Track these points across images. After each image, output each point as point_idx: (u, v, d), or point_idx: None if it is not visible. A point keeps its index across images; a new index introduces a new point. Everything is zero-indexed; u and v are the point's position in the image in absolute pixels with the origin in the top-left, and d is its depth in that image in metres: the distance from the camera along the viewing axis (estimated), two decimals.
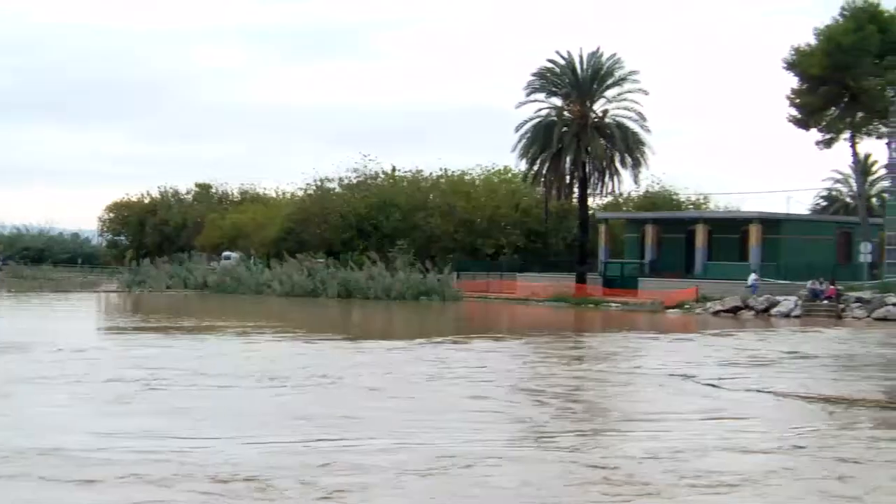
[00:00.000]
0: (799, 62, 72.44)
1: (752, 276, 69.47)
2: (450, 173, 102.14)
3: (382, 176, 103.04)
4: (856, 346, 43.76)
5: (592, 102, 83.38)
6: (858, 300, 64.33)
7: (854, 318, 62.47)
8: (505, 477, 16.32)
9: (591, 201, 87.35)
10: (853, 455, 18.42)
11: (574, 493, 15.57)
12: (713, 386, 27.72)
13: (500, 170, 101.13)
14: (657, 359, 35.90)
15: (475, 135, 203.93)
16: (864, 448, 19.24)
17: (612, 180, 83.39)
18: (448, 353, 36.75)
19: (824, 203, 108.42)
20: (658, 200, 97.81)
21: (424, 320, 62.26)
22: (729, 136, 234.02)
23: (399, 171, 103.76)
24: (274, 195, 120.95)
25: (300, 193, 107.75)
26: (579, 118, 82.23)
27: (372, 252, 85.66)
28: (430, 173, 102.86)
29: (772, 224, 76.98)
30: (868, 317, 62.33)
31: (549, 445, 19.22)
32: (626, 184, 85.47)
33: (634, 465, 17.19)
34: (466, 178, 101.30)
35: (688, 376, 29.82)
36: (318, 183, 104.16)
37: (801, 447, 19.19)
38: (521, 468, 17.07)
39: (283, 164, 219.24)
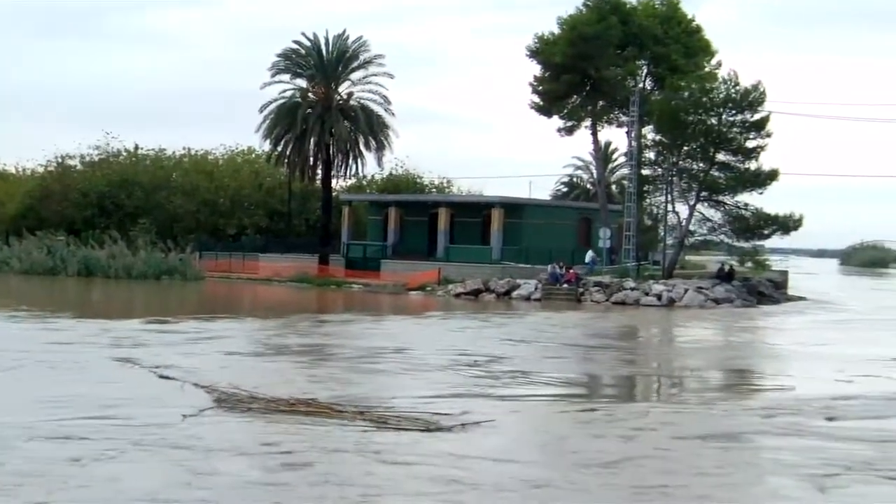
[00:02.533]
0: (542, 50, 70.69)
1: (589, 254, 67.46)
2: (193, 153, 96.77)
3: (125, 154, 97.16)
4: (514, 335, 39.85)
5: (337, 85, 79.64)
6: (597, 284, 62.62)
7: (594, 301, 60.77)
8: None
9: (335, 183, 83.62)
10: None
11: None
12: (159, 375, 24.45)
13: (243, 150, 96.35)
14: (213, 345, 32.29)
15: (219, 115, 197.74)
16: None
17: (356, 162, 79.89)
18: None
19: (565, 189, 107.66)
20: (402, 183, 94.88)
21: (149, 299, 59.29)
22: (472, 122, 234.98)
23: (142, 149, 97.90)
24: (14, 172, 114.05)
25: (41, 170, 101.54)
26: (324, 100, 78.33)
27: (113, 230, 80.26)
28: (174, 152, 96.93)
29: (514, 209, 74.75)
30: (607, 300, 60.67)
31: None
32: (371, 166, 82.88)
33: None
34: (210, 157, 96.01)
35: (131, 361, 26.86)
36: (60, 160, 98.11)
37: None
38: None
39: (24, 142, 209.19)
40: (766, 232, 67.70)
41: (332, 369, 27.51)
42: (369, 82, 79.57)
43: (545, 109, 72.12)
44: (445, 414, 19.62)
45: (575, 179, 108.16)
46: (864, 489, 15.38)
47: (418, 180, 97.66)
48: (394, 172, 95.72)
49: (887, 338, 42.25)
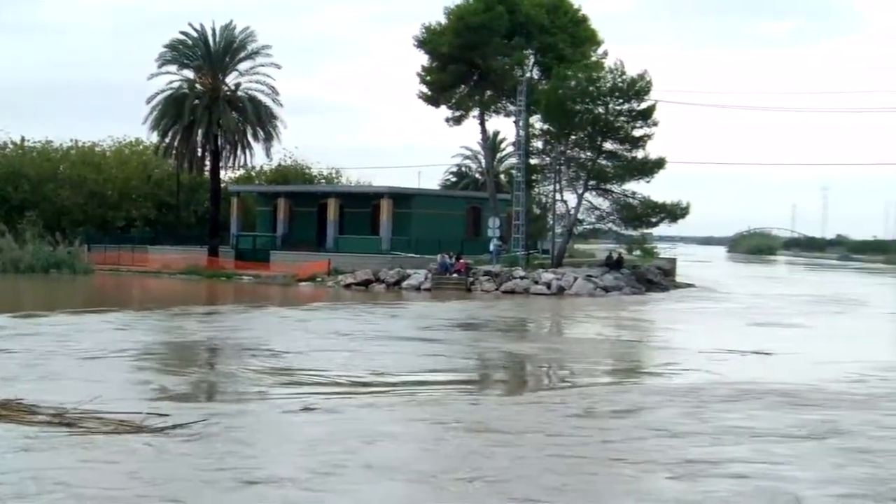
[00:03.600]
0: (429, 41, 69.15)
1: (494, 242, 66.47)
2: (80, 145, 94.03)
3: (11, 146, 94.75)
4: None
5: (225, 75, 77.33)
6: (487, 273, 61.65)
7: (483, 290, 59.80)
8: None
9: (223, 174, 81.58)
10: None
11: None
12: None
13: (131, 142, 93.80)
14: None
15: (106, 106, 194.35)
16: None
17: (245, 153, 77.71)
18: None
19: (454, 179, 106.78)
20: (290, 174, 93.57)
21: (34, 293, 58.01)
22: (362, 111, 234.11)
23: (28, 141, 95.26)
24: None
25: None
26: (211, 91, 76.09)
27: (0, 224, 78.46)
28: (61, 144, 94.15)
29: (403, 198, 73.41)
30: (497, 290, 59.74)
31: None
32: (259, 157, 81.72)
33: None
34: (97, 149, 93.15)
35: None
36: None
37: None
38: None
39: None
40: (653, 220, 67.17)
41: (108, 370, 25.44)
42: (257, 73, 77.56)
43: (433, 99, 70.69)
44: (163, 415, 18.24)
45: (464, 169, 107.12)
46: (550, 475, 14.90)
47: (307, 171, 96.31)
48: (282, 163, 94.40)
49: (745, 328, 40.98)
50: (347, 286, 61.99)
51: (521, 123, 68.40)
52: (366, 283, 62.23)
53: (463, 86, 70.58)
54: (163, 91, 77.18)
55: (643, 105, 64.86)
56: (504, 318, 44.41)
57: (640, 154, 65.73)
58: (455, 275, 62.06)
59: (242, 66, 78.07)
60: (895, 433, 18.28)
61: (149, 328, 36.14)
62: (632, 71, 64.80)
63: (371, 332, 35.55)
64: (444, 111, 71.87)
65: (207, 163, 78.52)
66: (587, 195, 66.33)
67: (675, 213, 66.12)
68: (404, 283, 61.60)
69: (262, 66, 77.65)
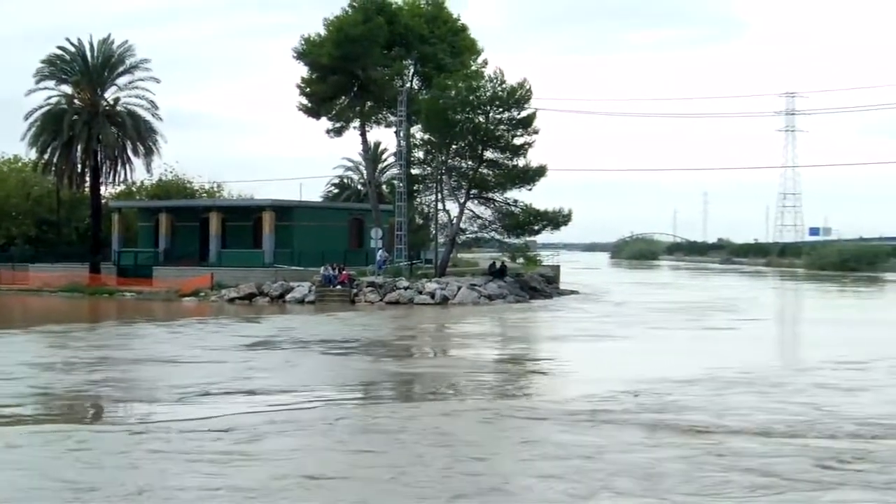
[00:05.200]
0: (309, 52, 67.96)
1: (380, 253, 65.26)
2: None
3: None
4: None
5: (104, 90, 75.78)
6: (371, 285, 60.44)
7: (367, 302, 58.60)
8: None
9: (104, 190, 79.47)
10: None
11: None
12: None
13: (9, 159, 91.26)
14: None
15: None
16: None
17: (125, 169, 76.28)
18: None
19: (336, 190, 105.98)
20: (172, 189, 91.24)
21: None
22: (244, 125, 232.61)
23: None
24: None
25: None
26: (90, 106, 74.43)
27: None
28: None
29: (285, 211, 71.61)
30: (381, 300, 58.61)
31: None
32: (140, 172, 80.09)
33: None
34: None
35: None
36: None
37: None
38: None
39: None
40: (535, 228, 66.48)
41: None
42: (136, 87, 76.17)
43: (313, 111, 69.44)
44: None
45: (346, 180, 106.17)
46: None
47: (188, 185, 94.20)
48: (164, 178, 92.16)
49: (563, 342, 38.48)
50: (231, 300, 60.45)
51: (401, 134, 67.62)
52: (249, 297, 60.73)
53: (343, 97, 69.75)
54: (41, 107, 75.79)
55: (523, 113, 64.16)
56: (342, 331, 42.22)
57: (521, 162, 65.01)
58: (339, 287, 60.79)
59: (121, 80, 76.84)
60: (601, 451, 17.39)
61: None
62: (511, 79, 64.13)
63: (179, 353, 33.06)
64: (325, 123, 71.09)
65: (87, 179, 77.03)
66: (469, 204, 65.41)
67: (557, 220, 65.58)
68: (288, 297, 60.23)
69: (142, 80, 76.56)
